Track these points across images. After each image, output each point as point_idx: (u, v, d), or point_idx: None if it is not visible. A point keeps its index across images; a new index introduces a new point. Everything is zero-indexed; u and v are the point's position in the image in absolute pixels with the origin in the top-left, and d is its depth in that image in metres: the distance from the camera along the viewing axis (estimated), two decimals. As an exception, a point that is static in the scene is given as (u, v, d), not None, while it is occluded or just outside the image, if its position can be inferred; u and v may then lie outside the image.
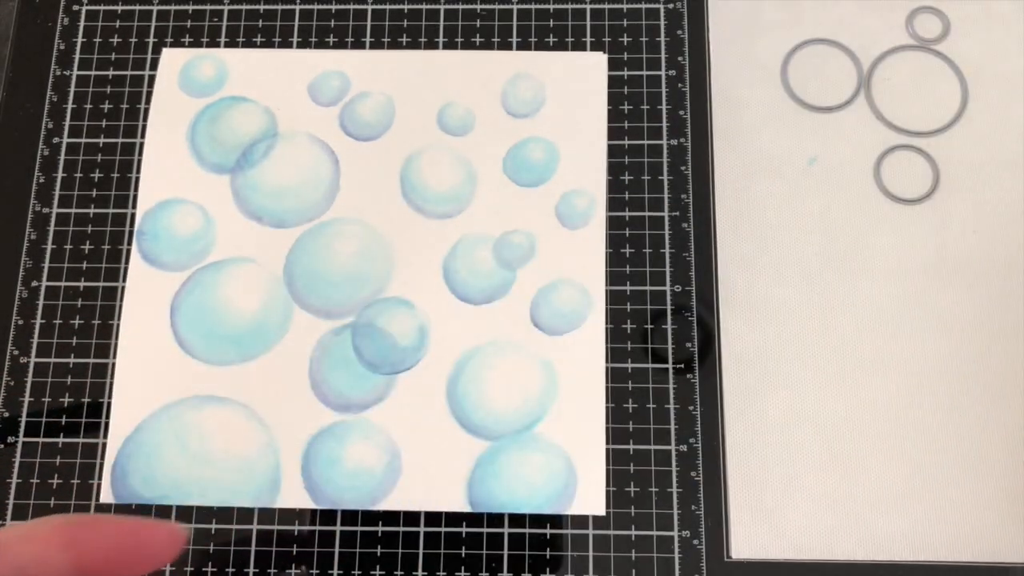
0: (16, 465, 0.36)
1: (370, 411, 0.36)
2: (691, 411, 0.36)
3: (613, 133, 0.40)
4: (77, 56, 0.41)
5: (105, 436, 0.36)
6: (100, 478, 0.36)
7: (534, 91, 0.40)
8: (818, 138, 0.40)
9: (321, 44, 0.42)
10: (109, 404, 0.37)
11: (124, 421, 0.36)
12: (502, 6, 0.42)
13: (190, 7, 0.42)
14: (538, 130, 0.40)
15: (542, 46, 0.41)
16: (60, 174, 0.40)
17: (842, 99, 0.40)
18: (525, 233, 0.38)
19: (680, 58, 0.41)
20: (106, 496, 0.35)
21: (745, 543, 0.35)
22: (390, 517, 0.35)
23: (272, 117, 0.40)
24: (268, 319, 0.37)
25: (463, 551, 0.35)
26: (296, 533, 0.35)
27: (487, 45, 0.41)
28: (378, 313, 0.37)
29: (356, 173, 0.39)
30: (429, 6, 0.42)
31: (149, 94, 0.41)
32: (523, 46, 0.41)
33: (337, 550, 0.35)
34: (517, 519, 0.35)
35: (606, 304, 0.38)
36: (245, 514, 0.35)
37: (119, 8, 0.42)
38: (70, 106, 0.41)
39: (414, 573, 0.35)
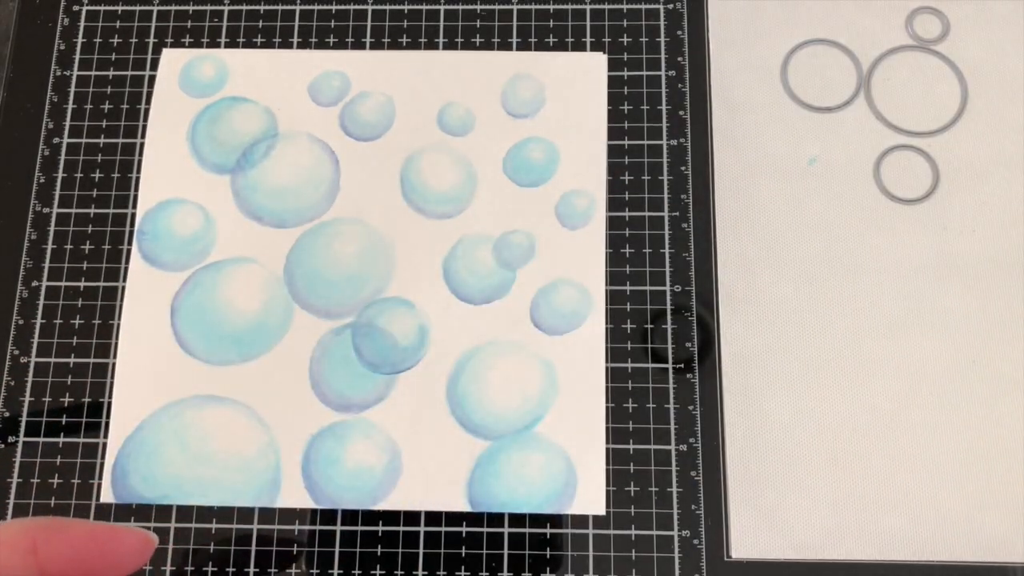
0: (16, 465, 0.36)
1: (370, 411, 0.36)
2: (691, 411, 0.36)
3: (613, 133, 0.40)
4: (77, 56, 0.42)
5: (105, 436, 0.36)
6: (100, 478, 0.36)
7: (534, 91, 0.40)
8: (818, 138, 0.40)
9: (321, 44, 0.42)
10: (109, 404, 0.37)
11: (124, 421, 0.36)
12: (502, 6, 0.42)
13: (190, 7, 0.42)
14: (538, 130, 0.40)
15: (542, 46, 0.41)
16: (60, 174, 0.40)
17: (842, 99, 0.40)
18: (525, 233, 0.38)
19: (680, 58, 0.41)
20: (106, 496, 0.35)
21: (745, 543, 0.35)
22: (390, 517, 0.35)
23: (272, 117, 0.40)
24: (268, 319, 0.37)
25: (463, 551, 0.35)
26: (296, 533, 0.35)
27: (487, 45, 0.41)
28: (378, 313, 0.37)
29: (356, 173, 0.39)
30: (429, 6, 0.42)
31: (149, 94, 0.41)
32: (523, 46, 0.41)
33: (337, 550, 0.35)
34: (517, 519, 0.35)
35: (606, 304, 0.38)
36: (245, 514, 0.35)
37: (119, 8, 0.42)
38: (70, 106, 0.41)
39: (414, 573, 0.35)
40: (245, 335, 0.37)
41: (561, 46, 0.41)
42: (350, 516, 0.35)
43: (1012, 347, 0.37)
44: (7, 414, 0.37)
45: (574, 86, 0.40)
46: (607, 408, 0.36)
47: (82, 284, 0.38)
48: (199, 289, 0.38)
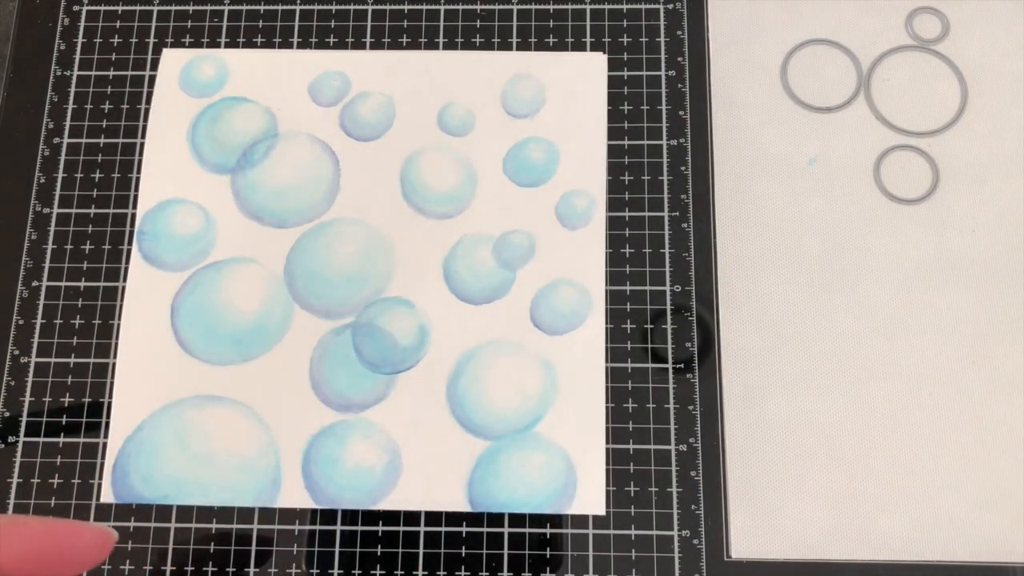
0: (17, 465, 0.36)
1: (370, 411, 0.36)
2: (691, 411, 0.36)
3: (613, 133, 0.40)
4: (77, 56, 0.42)
5: (106, 436, 0.36)
6: (100, 478, 0.36)
7: (534, 91, 0.40)
8: (818, 138, 0.40)
9: (321, 44, 0.42)
10: (110, 404, 0.37)
11: (125, 421, 0.36)
12: (502, 6, 0.42)
13: (190, 7, 0.42)
14: (538, 130, 0.40)
15: (542, 46, 0.41)
16: (61, 174, 0.40)
17: (842, 99, 0.40)
18: (525, 233, 0.38)
19: (680, 58, 0.41)
20: (106, 496, 0.35)
21: (745, 543, 0.35)
22: (390, 517, 0.35)
23: (272, 117, 0.40)
24: (268, 319, 0.37)
25: (463, 551, 0.35)
26: (296, 533, 0.35)
27: (487, 45, 0.41)
28: (378, 313, 0.37)
29: (356, 173, 0.39)
30: (429, 6, 0.42)
31: (149, 94, 0.41)
32: (523, 46, 0.41)
33: (337, 550, 0.35)
34: (517, 519, 0.35)
35: (606, 304, 0.38)
36: (245, 514, 0.35)
37: (119, 8, 0.42)
38: (71, 106, 0.41)
39: (414, 573, 0.35)
40: (245, 335, 0.37)
41: (561, 46, 0.41)
42: (350, 516, 0.35)
43: (1012, 347, 0.37)
44: (7, 414, 0.37)
45: (574, 86, 0.40)
46: (607, 408, 0.36)
47: (82, 284, 0.38)
48: (199, 289, 0.38)
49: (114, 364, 0.37)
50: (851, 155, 0.39)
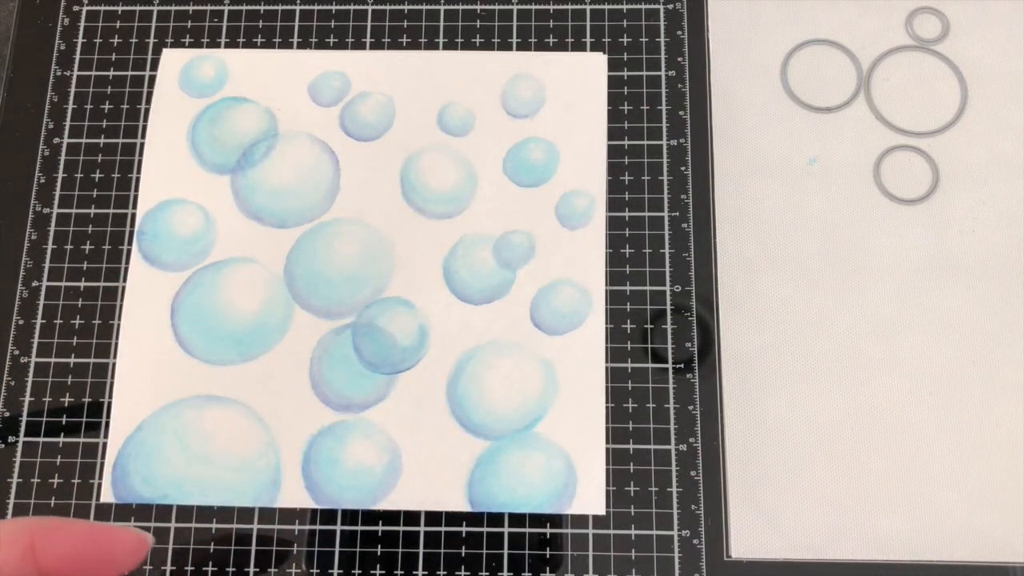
0: (17, 465, 0.36)
1: (370, 411, 0.36)
2: (691, 411, 0.36)
3: (613, 133, 0.40)
4: (77, 56, 0.42)
5: (106, 436, 0.36)
6: (101, 478, 0.36)
7: (534, 91, 0.40)
8: (818, 138, 0.40)
9: (321, 44, 0.42)
10: (109, 404, 0.37)
11: (125, 421, 0.36)
12: (502, 6, 0.42)
13: (190, 8, 0.42)
14: (538, 130, 0.40)
15: (542, 46, 0.41)
16: (60, 174, 0.40)
17: (842, 99, 0.40)
18: (525, 233, 0.38)
19: (680, 58, 0.41)
20: (106, 496, 0.35)
21: (745, 543, 0.35)
22: (390, 517, 0.35)
23: (272, 117, 0.40)
24: (268, 319, 0.37)
25: (463, 551, 0.35)
26: (296, 533, 0.35)
27: (487, 45, 0.41)
28: (378, 313, 0.37)
29: (356, 173, 0.39)
30: (429, 6, 0.42)
31: (149, 94, 0.41)
32: (523, 46, 0.41)
33: (337, 550, 0.35)
34: (517, 519, 0.35)
35: (606, 304, 0.38)
36: (245, 514, 0.35)
37: (119, 8, 0.42)
38: (70, 106, 0.41)
39: (414, 573, 0.35)
40: (245, 335, 0.37)
41: (561, 46, 0.41)
42: (350, 516, 0.35)
43: (1012, 347, 0.37)
44: (7, 414, 0.37)
45: (574, 86, 0.40)
46: (607, 408, 0.36)
47: (82, 284, 0.38)
48: (199, 289, 0.38)
49: (114, 364, 0.37)
50: (851, 155, 0.39)
